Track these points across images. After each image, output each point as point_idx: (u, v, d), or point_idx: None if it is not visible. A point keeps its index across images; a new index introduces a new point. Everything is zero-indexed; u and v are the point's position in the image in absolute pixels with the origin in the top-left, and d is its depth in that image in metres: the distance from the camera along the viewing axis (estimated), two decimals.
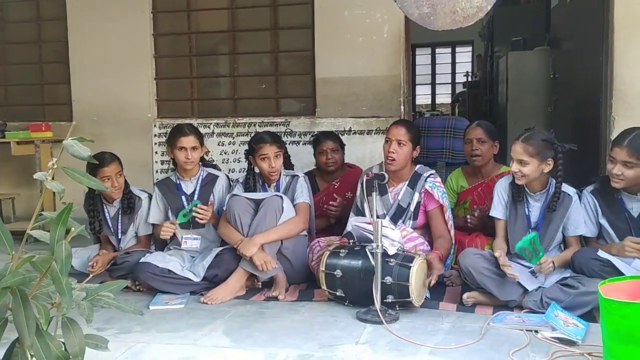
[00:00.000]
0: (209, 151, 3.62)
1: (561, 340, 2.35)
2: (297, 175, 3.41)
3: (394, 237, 2.79)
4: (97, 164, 3.26)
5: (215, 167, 3.72)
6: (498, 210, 3.04)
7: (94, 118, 5.16)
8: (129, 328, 2.67)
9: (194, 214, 3.27)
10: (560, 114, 5.40)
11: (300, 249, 3.24)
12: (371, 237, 2.81)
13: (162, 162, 5.08)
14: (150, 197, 3.60)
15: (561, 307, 2.55)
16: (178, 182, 3.48)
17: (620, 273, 2.56)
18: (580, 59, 4.75)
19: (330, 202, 3.74)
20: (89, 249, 3.61)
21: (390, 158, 3.14)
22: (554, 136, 2.88)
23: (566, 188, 2.93)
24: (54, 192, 4.28)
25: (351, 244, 3.00)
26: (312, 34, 4.75)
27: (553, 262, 2.78)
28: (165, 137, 5.04)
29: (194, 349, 2.42)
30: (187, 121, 4.89)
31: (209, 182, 3.47)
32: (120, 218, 3.52)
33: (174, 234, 3.40)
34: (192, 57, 5.15)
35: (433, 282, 2.88)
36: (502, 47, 7.56)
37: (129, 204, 3.50)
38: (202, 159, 3.58)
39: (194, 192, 3.44)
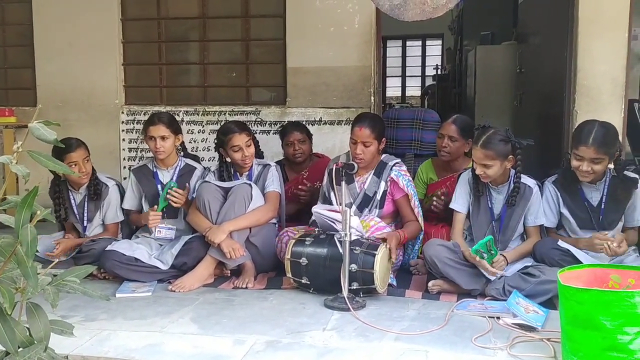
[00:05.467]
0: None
1: (522, 326, 2.42)
2: (268, 165, 3.42)
3: (353, 224, 2.83)
4: (63, 149, 3.21)
5: (195, 158, 3.70)
6: (459, 203, 3.09)
7: (59, 103, 5.04)
8: (94, 316, 2.65)
9: (168, 196, 3.26)
10: (526, 107, 5.52)
11: (269, 237, 3.25)
12: (333, 224, 2.85)
13: (130, 150, 5.01)
14: (118, 184, 3.57)
15: (522, 295, 2.63)
16: (155, 170, 3.47)
17: (579, 262, 2.65)
18: (546, 54, 4.86)
19: (300, 187, 3.75)
20: (53, 237, 3.55)
21: (358, 159, 3.18)
22: (509, 132, 2.94)
23: (527, 180, 3.00)
24: (17, 179, 4.17)
25: (317, 232, 3.02)
26: (283, 23, 4.73)
27: (505, 259, 2.87)
28: (133, 124, 5.00)
29: (161, 336, 2.41)
30: (156, 108, 4.85)
31: (186, 173, 3.46)
32: (86, 205, 3.47)
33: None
34: (162, 44, 5.06)
35: (393, 257, 2.93)
36: (471, 41, 7.66)
37: (96, 190, 3.45)
38: (184, 149, 3.56)
39: (170, 182, 3.42)
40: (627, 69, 4.11)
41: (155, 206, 3.30)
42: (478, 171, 2.92)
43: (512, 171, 2.99)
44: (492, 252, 2.79)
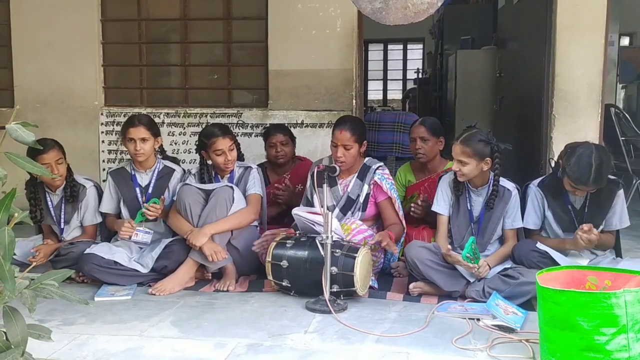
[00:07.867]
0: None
1: (501, 328, 2.45)
2: (249, 167, 3.41)
3: (333, 226, 2.83)
4: (36, 150, 3.14)
5: (174, 160, 3.66)
6: (440, 205, 3.12)
7: (37, 104, 4.97)
8: (72, 320, 2.61)
9: (144, 210, 3.21)
10: (505, 111, 5.59)
11: (250, 239, 3.22)
12: (313, 226, 2.85)
13: (110, 152, 4.96)
14: (96, 186, 3.52)
15: (502, 297, 2.66)
16: (133, 173, 3.41)
17: (557, 264, 2.69)
18: (524, 59, 4.93)
19: (276, 185, 3.75)
20: (31, 240, 3.49)
21: (339, 162, 3.19)
22: (491, 135, 2.98)
23: (505, 183, 3.04)
24: None
25: (298, 234, 3.02)
26: (265, 25, 4.73)
27: (488, 265, 2.88)
28: (113, 125, 4.95)
29: (140, 339, 2.39)
30: (137, 110, 4.81)
31: (164, 176, 3.41)
32: (63, 207, 3.41)
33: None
34: (142, 45, 5.03)
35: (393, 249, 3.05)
36: (452, 45, 7.73)
37: (72, 192, 3.39)
38: (162, 151, 3.52)
39: (149, 185, 3.39)
40: (603, 74, 4.19)
41: (132, 220, 3.25)
42: (454, 167, 2.96)
43: (492, 174, 3.02)
44: (477, 255, 2.81)
